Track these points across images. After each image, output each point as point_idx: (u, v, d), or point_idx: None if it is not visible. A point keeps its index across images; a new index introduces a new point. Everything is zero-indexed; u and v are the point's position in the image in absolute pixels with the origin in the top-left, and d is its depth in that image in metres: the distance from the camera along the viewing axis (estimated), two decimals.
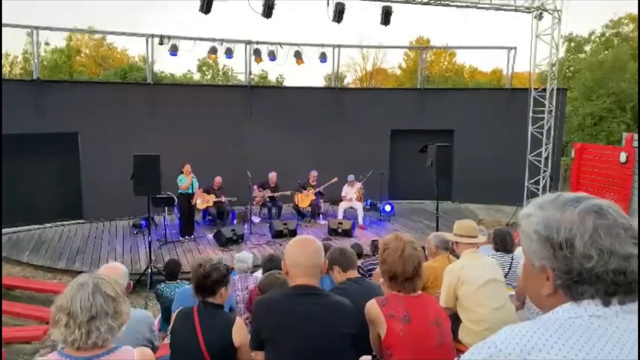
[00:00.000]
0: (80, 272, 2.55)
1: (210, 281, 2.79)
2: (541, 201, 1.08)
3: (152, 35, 12.77)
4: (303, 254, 2.43)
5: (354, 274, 3.26)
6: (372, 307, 2.44)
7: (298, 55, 13.56)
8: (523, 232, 1.08)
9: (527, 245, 1.08)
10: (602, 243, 0.97)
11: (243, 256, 5.58)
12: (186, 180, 10.46)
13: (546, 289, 1.04)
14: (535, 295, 1.10)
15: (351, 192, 11.93)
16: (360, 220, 11.82)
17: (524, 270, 1.15)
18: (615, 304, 0.98)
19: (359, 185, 12.03)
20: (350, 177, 11.98)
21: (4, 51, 30.40)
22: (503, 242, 4.76)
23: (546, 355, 0.94)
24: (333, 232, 10.88)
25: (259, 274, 5.45)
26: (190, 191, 10.52)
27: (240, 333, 2.71)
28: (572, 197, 1.05)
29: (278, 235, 10.65)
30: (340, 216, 11.89)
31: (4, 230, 10.89)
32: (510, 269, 4.63)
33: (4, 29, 11.45)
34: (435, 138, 10.84)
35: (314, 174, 12.14)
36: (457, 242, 3.98)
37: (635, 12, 23.70)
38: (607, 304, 0.98)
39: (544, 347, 0.95)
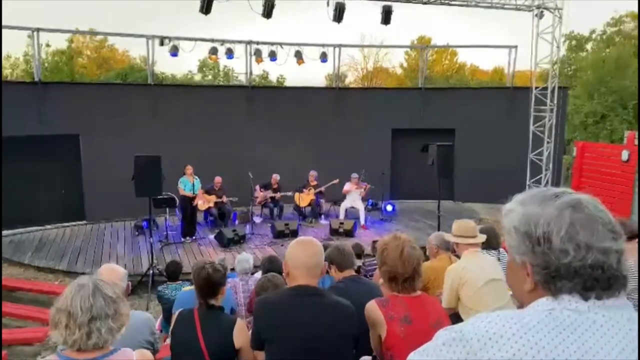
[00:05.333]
0: (82, 274, 2.55)
1: (212, 282, 2.80)
2: (522, 197, 1.07)
3: (153, 37, 12.78)
4: (304, 255, 2.43)
5: (350, 273, 3.28)
6: (373, 308, 2.42)
7: (299, 55, 13.55)
8: (504, 228, 1.07)
9: (507, 241, 1.07)
10: (578, 238, 0.96)
11: (244, 256, 5.58)
12: (189, 183, 10.44)
13: (527, 285, 1.03)
14: (517, 290, 1.09)
15: (354, 189, 11.89)
16: (362, 220, 11.81)
17: (507, 266, 1.14)
18: (593, 299, 0.97)
19: (362, 185, 12.02)
20: (354, 175, 11.97)
21: (5, 53, 30.46)
22: (489, 240, 4.81)
23: (506, 341, 0.93)
24: (335, 232, 10.88)
25: (259, 275, 5.44)
26: (192, 192, 10.52)
27: (241, 335, 2.70)
28: (552, 192, 1.04)
29: (280, 235, 10.64)
30: (342, 216, 11.88)
31: (5, 232, 10.92)
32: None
33: (4, 31, 11.47)
34: (436, 137, 10.83)
35: (313, 173, 12.17)
36: (457, 243, 3.96)
37: (636, 10, 23.60)
38: (586, 298, 0.97)
39: (506, 335, 0.94)
